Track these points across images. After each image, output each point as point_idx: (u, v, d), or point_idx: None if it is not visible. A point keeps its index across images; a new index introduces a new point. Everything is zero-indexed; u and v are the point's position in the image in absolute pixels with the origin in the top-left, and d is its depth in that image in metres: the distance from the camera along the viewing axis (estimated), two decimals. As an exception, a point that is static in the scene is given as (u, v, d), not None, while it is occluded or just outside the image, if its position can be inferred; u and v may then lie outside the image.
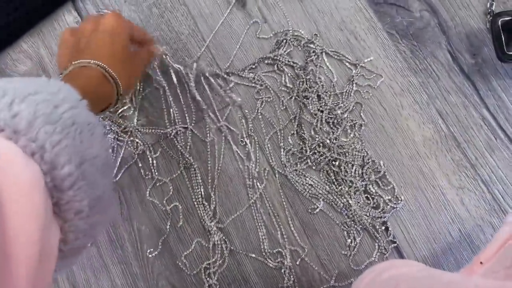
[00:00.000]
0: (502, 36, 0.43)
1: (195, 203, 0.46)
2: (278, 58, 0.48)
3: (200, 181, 0.46)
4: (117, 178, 0.47)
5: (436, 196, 0.45)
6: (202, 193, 0.46)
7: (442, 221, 0.45)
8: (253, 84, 0.48)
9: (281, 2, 0.50)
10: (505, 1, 0.48)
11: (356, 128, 0.47)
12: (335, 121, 0.47)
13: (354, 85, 0.47)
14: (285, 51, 0.48)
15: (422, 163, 0.46)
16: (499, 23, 0.44)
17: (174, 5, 0.51)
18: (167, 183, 0.47)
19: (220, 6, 0.50)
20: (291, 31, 0.49)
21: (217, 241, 0.45)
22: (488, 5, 0.48)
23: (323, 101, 0.47)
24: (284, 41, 0.48)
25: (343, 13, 0.49)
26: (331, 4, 0.50)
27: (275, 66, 0.48)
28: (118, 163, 0.47)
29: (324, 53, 0.48)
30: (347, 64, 0.48)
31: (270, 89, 0.48)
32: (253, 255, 0.45)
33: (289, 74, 0.48)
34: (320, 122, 0.47)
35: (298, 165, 0.46)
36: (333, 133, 0.46)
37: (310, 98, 0.47)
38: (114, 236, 0.46)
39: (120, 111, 0.48)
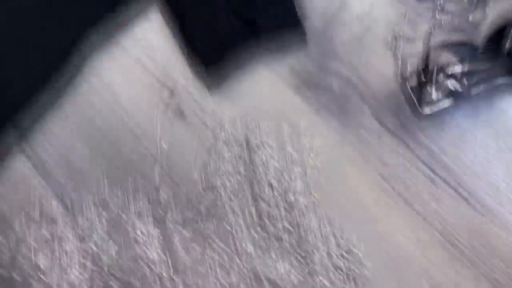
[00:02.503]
0: (414, 97, 0.48)
1: None
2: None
3: None
4: None
5: (399, 253, 0.48)
6: None
7: (411, 277, 0.47)
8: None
9: (215, 105, 0.54)
10: (411, 62, 0.54)
11: (310, 207, 0.49)
12: (290, 205, 0.49)
13: (298, 167, 0.51)
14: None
15: (377, 225, 0.49)
16: (409, 86, 0.49)
17: (119, 131, 0.54)
18: None
19: (160, 121, 0.54)
20: (229, 133, 0.53)
21: None
22: (398, 70, 0.54)
23: (275, 187, 0.50)
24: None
25: (274, 104, 0.54)
26: (261, 98, 0.54)
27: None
28: None
29: (264, 144, 0.52)
30: (286, 148, 0.52)
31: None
32: None
33: (237, 172, 0.51)
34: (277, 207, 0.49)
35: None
36: (290, 214, 0.49)
37: (262, 189, 0.50)
38: None
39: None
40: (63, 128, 0.55)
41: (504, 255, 0.46)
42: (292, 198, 0.50)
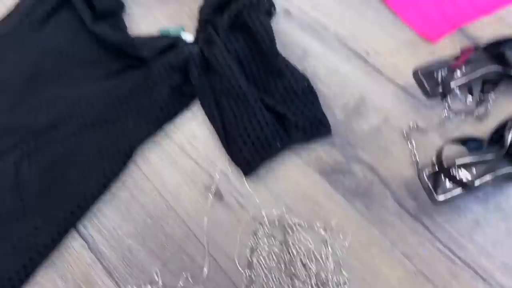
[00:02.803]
0: (429, 185, 0.55)
1: None
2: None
3: None
4: None
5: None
6: None
7: None
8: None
9: (251, 188, 0.61)
10: (425, 150, 0.61)
11: (341, 285, 0.54)
12: (322, 283, 0.54)
13: (329, 247, 0.56)
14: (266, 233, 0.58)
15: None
16: (425, 175, 0.55)
17: (164, 212, 0.60)
18: None
19: (201, 203, 0.60)
20: (264, 215, 0.59)
21: None
22: (414, 158, 0.61)
23: (308, 266, 0.55)
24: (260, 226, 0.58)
25: (303, 187, 0.60)
26: (292, 182, 0.61)
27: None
28: None
29: (296, 225, 0.58)
30: (317, 229, 0.58)
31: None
32: None
33: (272, 252, 0.57)
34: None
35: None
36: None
37: (296, 268, 0.55)
38: None
39: None
40: (114, 209, 0.61)
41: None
42: (324, 276, 0.55)
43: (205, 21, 0.70)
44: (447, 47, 0.68)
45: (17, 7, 0.77)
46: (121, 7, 0.75)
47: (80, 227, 0.60)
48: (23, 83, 0.69)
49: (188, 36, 0.71)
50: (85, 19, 0.72)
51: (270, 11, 0.71)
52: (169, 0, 0.76)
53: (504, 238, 0.56)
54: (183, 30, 0.73)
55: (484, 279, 0.54)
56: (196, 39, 0.70)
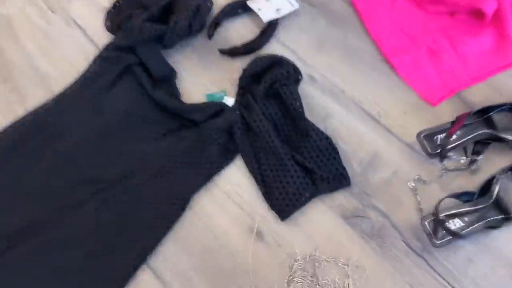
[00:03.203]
0: (430, 231, 0.69)
1: None
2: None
3: None
4: None
5: None
6: None
7: None
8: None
9: (286, 230, 0.75)
10: (428, 199, 0.75)
11: (360, 310, 0.69)
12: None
13: (350, 279, 0.71)
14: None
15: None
16: (426, 223, 0.70)
17: (216, 249, 0.75)
18: None
19: (246, 241, 0.75)
20: (297, 252, 0.73)
21: None
22: (418, 206, 0.75)
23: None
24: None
25: (329, 229, 0.75)
26: (320, 225, 0.75)
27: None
28: None
29: (324, 261, 0.72)
30: (341, 264, 0.72)
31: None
32: None
33: (306, 283, 0.71)
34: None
35: None
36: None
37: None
38: None
39: None
40: (176, 246, 0.76)
41: None
42: (346, 302, 0.69)
43: (244, 89, 0.85)
44: (446, 110, 0.82)
45: (86, 72, 0.93)
46: (174, 75, 0.91)
47: (149, 261, 0.76)
48: (98, 139, 0.85)
49: (230, 100, 0.87)
50: (145, 85, 0.88)
51: (297, 78, 0.86)
52: (213, 69, 0.92)
53: (491, 274, 0.69)
54: (225, 94, 0.88)
55: (475, 306, 0.67)
56: (237, 103, 0.86)
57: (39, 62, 1.01)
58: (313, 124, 0.81)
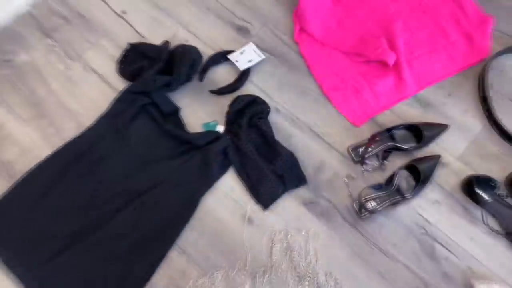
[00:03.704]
0: (357, 210, 1.11)
1: None
2: None
3: None
4: None
5: None
6: None
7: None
8: None
9: (267, 215, 1.14)
10: (356, 189, 1.17)
11: (315, 263, 1.09)
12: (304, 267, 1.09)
13: (309, 244, 1.11)
14: None
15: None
16: (355, 205, 1.12)
17: (220, 232, 1.13)
18: None
19: (240, 225, 1.14)
20: (275, 230, 1.13)
21: None
22: (350, 194, 1.17)
23: (298, 255, 1.10)
24: None
25: (294, 213, 1.15)
26: (288, 211, 1.15)
27: None
28: None
29: (291, 233, 1.12)
30: (303, 234, 1.12)
31: None
32: None
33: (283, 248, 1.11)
34: None
35: None
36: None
37: (294, 257, 1.10)
38: None
39: None
40: (193, 232, 1.13)
41: None
42: (303, 263, 1.10)
43: (231, 120, 1.22)
44: (366, 129, 1.24)
45: (109, 110, 1.25)
46: (178, 110, 1.26)
47: (180, 247, 1.12)
48: (127, 161, 1.19)
49: (221, 127, 1.23)
50: (158, 120, 1.23)
51: (268, 111, 1.24)
52: (206, 104, 1.27)
53: (398, 239, 1.12)
54: (217, 123, 1.25)
55: (383, 253, 1.10)
56: (226, 130, 1.22)
57: (66, 100, 1.32)
58: (280, 143, 1.20)
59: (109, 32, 1.41)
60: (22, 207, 1.14)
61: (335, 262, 1.09)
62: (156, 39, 1.37)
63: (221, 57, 1.32)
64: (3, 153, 1.25)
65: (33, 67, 1.37)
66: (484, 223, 1.09)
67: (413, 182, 1.15)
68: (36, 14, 1.45)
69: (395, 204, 1.13)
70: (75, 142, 1.21)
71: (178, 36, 1.38)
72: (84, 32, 1.41)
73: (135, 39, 1.38)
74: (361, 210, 1.11)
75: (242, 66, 1.29)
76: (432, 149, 1.20)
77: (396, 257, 1.09)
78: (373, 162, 1.19)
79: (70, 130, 1.26)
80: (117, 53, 1.36)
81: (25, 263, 1.09)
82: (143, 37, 1.39)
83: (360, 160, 1.17)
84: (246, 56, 1.30)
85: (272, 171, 1.16)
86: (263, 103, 1.23)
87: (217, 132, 1.22)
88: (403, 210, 1.14)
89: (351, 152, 1.18)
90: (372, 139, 1.17)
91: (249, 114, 1.20)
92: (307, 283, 1.06)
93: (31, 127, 1.28)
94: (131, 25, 1.41)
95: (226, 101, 1.25)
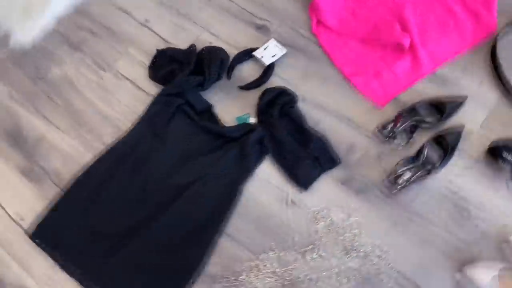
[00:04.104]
0: (394, 182, 1.18)
1: None
2: None
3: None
4: None
5: None
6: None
7: None
8: None
9: (305, 196, 1.21)
10: (389, 164, 1.24)
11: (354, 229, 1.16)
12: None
13: (353, 218, 1.18)
14: None
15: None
16: (390, 179, 1.19)
17: (264, 214, 1.20)
18: None
19: (283, 207, 1.20)
20: (317, 209, 1.20)
21: None
22: (383, 169, 1.24)
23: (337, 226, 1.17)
24: None
25: (333, 190, 1.22)
26: (326, 188, 1.22)
27: None
28: None
29: (330, 210, 1.19)
30: (342, 209, 1.19)
31: None
32: None
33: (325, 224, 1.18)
34: None
35: None
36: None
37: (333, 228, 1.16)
38: None
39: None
40: (239, 218, 1.19)
41: None
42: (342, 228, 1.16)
43: (262, 112, 1.30)
44: (389, 109, 1.31)
45: (146, 113, 1.32)
46: (211, 107, 1.33)
47: (227, 232, 1.18)
48: (169, 159, 1.26)
49: (253, 120, 1.31)
50: (193, 118, 1.30)
51: (296, 100, 1.32)
52: (238, 99, 1.35)
53: (428, 201, 1.19)
54: (250, 116, 1.32)
55: (422, 219, 1.17)
56: (259, 121, 1.30)
57: (101, 107, 1.39)
58: (312, 129, 1.27)
59: (135, 40, 1.48)
60: (75, 212, 1.21)
61: (378, 233, 1.16)
62: (180, 43, 1.45)
63: (245, 55, 1.40)
64: (47, 162, 1.31)
65: (66, 80, 1.44)
66: (507, 187, 1.17)
67: (441, 152, 1.22)
68: (63, 30, 1.53)
69: (427, 174, 1.20)
70: (117, 147, 1.28)
71: (201, 39, 1.46)
72: (111, 42, 1.48)
73: (160, 45, 1.45)
74: (396, 182, 1.18)
75: (267, 61, 1.36)
76: (454, 121, 1.27)
77: (434, 222, 1.16)
78: (400, 139, 1.26)
79: (108, 135, 1.33)
80: (146, 59, 1.43)
81: (83, 266, 1.15)
82: (167, 42, 1.47)
83: (390, 136, 1.24)
84: (269, 51, 1.38)
85: (308, 155, 1.23)
86: (291, 93, 1.31)
87: (251, 124, 1.29)
88: (435, 179, 1.21)
89: (380, 131, 1.25)
90: (399, 117, 1.25)
91: (279, 104, 1.27)
92: (355, 254, 1.12)
93: (71, 136, 1.35)
94: (155, 32, 1.49)
95: (254, 95, 1.33)
